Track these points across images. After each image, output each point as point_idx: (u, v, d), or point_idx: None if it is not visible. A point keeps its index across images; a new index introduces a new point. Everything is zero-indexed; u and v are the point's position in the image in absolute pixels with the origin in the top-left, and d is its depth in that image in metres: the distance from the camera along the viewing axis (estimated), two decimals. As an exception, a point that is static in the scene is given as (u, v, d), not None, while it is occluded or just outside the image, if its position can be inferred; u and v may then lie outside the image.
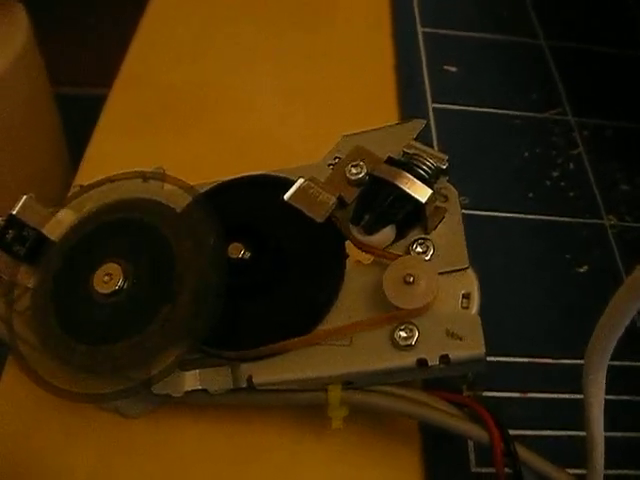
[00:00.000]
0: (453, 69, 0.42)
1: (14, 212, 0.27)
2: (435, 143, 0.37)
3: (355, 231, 0.25)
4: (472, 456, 0.28)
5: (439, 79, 0.42)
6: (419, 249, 0.25)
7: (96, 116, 0.39)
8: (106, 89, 0.40)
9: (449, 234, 0.25)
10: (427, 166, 0.25)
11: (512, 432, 0.24)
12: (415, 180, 0.25)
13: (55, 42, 0.53)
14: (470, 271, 0.25)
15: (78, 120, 0.43)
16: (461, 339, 0.23)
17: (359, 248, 0.25)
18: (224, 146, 0.37)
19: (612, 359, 0.21)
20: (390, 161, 0.26)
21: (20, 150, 0.42)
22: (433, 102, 0.40)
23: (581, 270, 0.34)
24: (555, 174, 0.38)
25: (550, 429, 0.29)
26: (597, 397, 0.22)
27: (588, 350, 0.21)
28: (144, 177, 0.28)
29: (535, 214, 0.36)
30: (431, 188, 0.25)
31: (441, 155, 0.26)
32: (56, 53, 0.50)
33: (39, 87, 0.44)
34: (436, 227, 0.25)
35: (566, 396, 0.30)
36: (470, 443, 0.28)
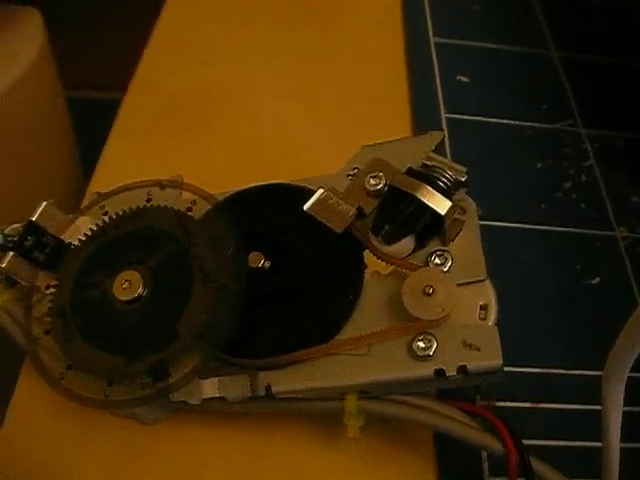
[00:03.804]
0: (466, 79, 0.43)
1: (33, 218, 0.28)
2: (448, 153, 0.37)
3: (374, 241, 0.26)
4: (485, 465, 0.28)
5: (452, 89, 0.42)
6: (437, 260, 0.25)
7: (109, 120, 0.39)
8: (120, 93, 0.40)
9: (467, 246, 0.26)
10: (446, 178, 0.26)
11: (524, 442, 0.24)
12: (434, 192, 0.25)
13: (69, 46, 0.52)
14: (487, 282, 0.25)
15: (91, 124, 0.43)
16: (479, 350, 0.23)
17: (378, 258, 0.26)
18: (238, 152, 0.38)
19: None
20: (410, 172, 0.26)
21: (34, 155, 0.42)
22: (446, 112, 0.40)
23: (593, 282, 0.34)
24: (567, 185, 0.38)
25: (561, 440, 0.29)
26: (615, 409, 0.22)
27: (608, 363, 0.21)
28: (162, 185, 0.29)
29: (547, 225, 0.36)
30: (450, 200, 0.25)
31: (460, 167, 0.26)
32: (70, 57, 0.50)
33: (53, 92, 0.44)
34: (454, 239, 0.26)
35: (578, 407, 0.30)
36: (483, 452, 0.28)
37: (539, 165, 0.39)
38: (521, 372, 0.30)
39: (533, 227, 0.36)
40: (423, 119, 0.39)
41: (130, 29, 0.49)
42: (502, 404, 0.29)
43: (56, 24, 0.47)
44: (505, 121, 0.41)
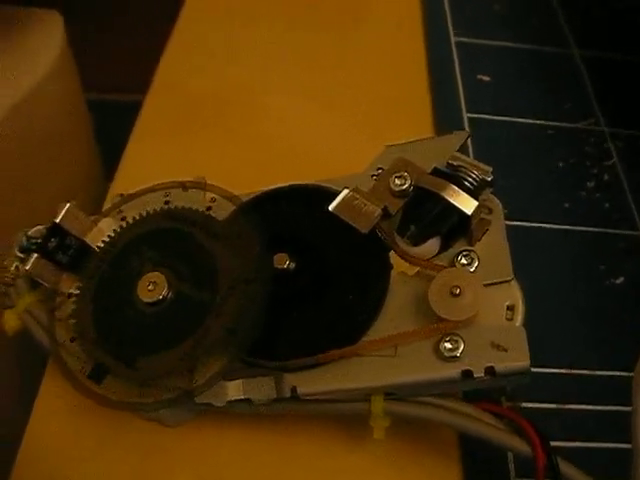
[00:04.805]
0: (487, 79, 0.42)
1: (57, 220, 0.28)
2: (470, 153, 0.37)
3: (400, 242, 0.25)
4: (511, 466, 0.27)
5: (473, 89, 0.42)
6: (464, 261, 0.25)
7: (129, 122, 0.39)
8: (140, 95, 0.40)
9: (493, 246, 0.25)
10: (472, 178, 0.25)
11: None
12: (461, 192, 0.25)
13: (89, 47, 0.53)
14: (514, 283, 0.25)
15: (110, 126, 0.43)
16: (506, 351, 0.23)
17: (404, 259, 0.25)
18: (259, 153, 0.38)
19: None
20: (436, 172, 0.26)
21: (56, 158, 0.42)
22: (467, 112, 0.40)
23: (617, 282, 0.34)
24: (590, 185, 0.38)
25: (587, 441, 0.29)
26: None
27: (636, 373, 0.21)
28: (185, 186, 0.29)
29: (570, 225, 0.36)
30: (477, 200, 0.25)
31: (485, 167, 0.26)
32: (90, 59, 0.50)
33: (74, 95, 0.44)
34: (480, 239, 0.25)
35: (604, 408, 0.29)
36: (509, 454, 0.28)
37: (561, 164, 0.39)
38: (546, 373, 0.30)
39: (556, 227, 0.35)
40: (444, 119, 0.39)
41: (150, 31, 0.48)
42: (527, 405, 0.29)
43: (76, 27, 0.47)
44: (526, 120, 0.40)
